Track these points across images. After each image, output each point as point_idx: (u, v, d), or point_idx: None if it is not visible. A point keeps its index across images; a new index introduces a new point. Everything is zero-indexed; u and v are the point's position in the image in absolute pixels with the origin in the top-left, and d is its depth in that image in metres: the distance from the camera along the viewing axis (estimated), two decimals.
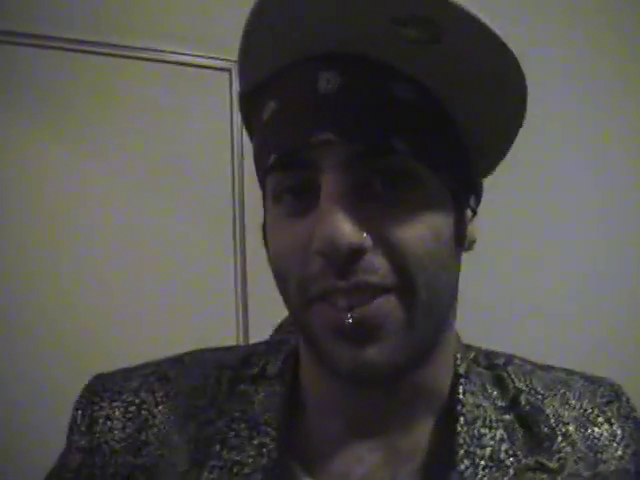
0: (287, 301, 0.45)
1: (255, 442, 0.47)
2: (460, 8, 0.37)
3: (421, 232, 0.42)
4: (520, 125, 0.47)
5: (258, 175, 0.48)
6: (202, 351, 0.55)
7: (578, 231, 1.59)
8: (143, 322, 1.23)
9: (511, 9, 1.52)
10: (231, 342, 1.22)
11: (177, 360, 0.54)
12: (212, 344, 0.57)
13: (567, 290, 1.56)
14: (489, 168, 0.52)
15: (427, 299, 0.42)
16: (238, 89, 0.49)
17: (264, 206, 0.48)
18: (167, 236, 1.25)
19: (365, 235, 0.40)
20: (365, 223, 0.40)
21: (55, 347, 1.19)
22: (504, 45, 0.40)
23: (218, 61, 1.21)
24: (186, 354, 0.54)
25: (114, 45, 1.22)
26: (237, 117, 1.26)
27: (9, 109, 1.20)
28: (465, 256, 0.50)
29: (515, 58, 0.41)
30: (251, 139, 0.50)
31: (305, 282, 0.42)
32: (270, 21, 0.41)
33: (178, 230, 1.24)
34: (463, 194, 0.47)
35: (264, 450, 0.46)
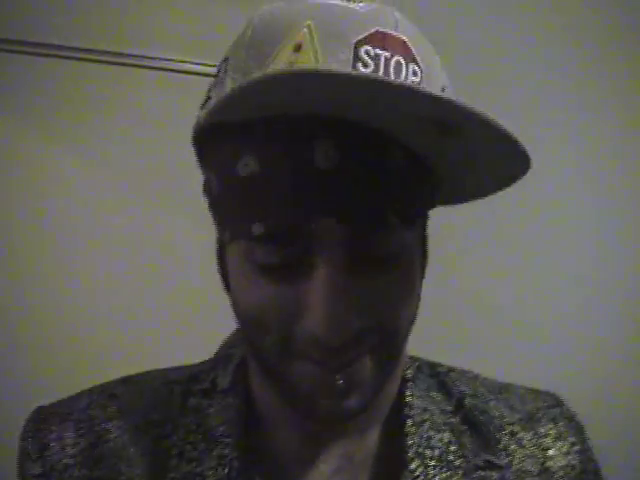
0: (257, 346, 0.44)
1: (214, 453, 0.47)
2: (483, 116, 0.34)
3: (406, 297, 0.43)
4: (498, 190, 0.45)
5: (214, 213, 0.45)
6: (147, 372, 0.55)
7: (572, 238, 1.59)
8: (144, 329, 1.22)
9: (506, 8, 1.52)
10: None
11: (123, 380, 0.53)
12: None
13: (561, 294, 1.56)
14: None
15: (399, 350, 0.45)
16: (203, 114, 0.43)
17: (221, 238, 0.46)
18: (168, 241, 1.24)
19: (360, 320, 0.40)
20: (360, 302, 0.40)
21: (58, 354, 1.19)
22: (520, 147, 0.36)
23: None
24: (130, 375, 0.54)
25: (118, 53, 1.22)
26: None
27: (13, 116, 1.20)
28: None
29: (527, 156, 0.37)
30: (204, 171, 0.46)
31: (288, 341, 0.41)
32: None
33: (179, 236, 1.23)
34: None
35: (224, 461, 0.46)
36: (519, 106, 1.50)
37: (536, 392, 0.57)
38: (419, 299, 0.46)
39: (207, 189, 0.45)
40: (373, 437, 0.49)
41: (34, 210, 1.21)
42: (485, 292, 1.47)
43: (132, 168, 1.24)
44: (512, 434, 0.51)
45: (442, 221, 0.54)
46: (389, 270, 0.42)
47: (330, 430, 0.48)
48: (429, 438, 0.48)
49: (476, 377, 0.57)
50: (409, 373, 0.52)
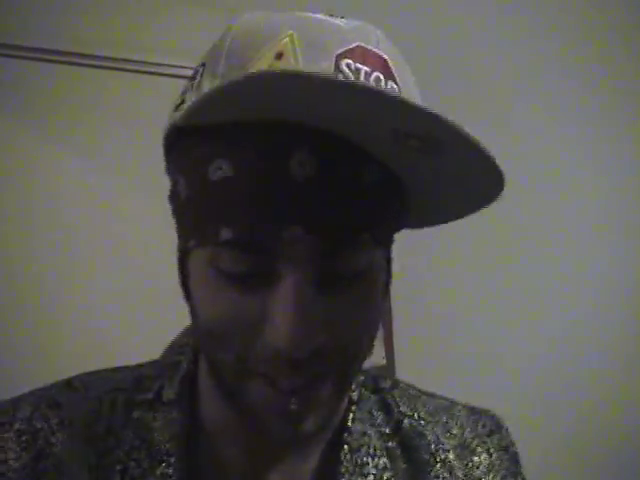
0: (214, 361, 0.43)
1: (158, 472, 0.45)
2: (469, 134, 0.34)
3: (369, 318, 0.42)
4: (471, 213, 0.45)
5: (179, 222, 0.44)
6: (90, 374, 0.53)
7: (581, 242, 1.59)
8: (147, 330, 1.23)
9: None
10: None
11: (66, 385, 0.51)
12: None
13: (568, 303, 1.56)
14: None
15: (357, 371, 0.45)
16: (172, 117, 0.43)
17: (185, 246, 0.44)
18: (169, 242, 1.25)
19: (322, 335, 0.39)
20: (323, 318, 0.39)
21: (59, 356, 1.19)
22: (496, 167, 0.36)
23: None
24: (74, 378, 0.52)
25: (126, 60, 1.25)
26: None
27: (23, 119, 1.21)
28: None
29: (502, 177, 0.37)
30: (170, 176, 0.45)
31: (246, 357, 0.40)
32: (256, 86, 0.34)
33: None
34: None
35: None
36: (519, 113, 1.51)
37: (477, 415, 0.56)
38: (379, 321, 0.45)
39: (173, 194, 0.44)
40: (315, 457, 0.49)
41: (36, 211, 1.22)
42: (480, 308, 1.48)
43: (134, 170, 1.26)
44: (444, 462, 0.51)
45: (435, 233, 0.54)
46: (354, 288, 0.41)
47: (282, 450, 0.48)
48: (363, 465, 0.48)
49: (419, 396, 0.56)
50: (354, 395, 0.52)
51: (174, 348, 0.53)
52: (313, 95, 0.33)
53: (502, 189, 0.39)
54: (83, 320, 1.22)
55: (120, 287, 1.24)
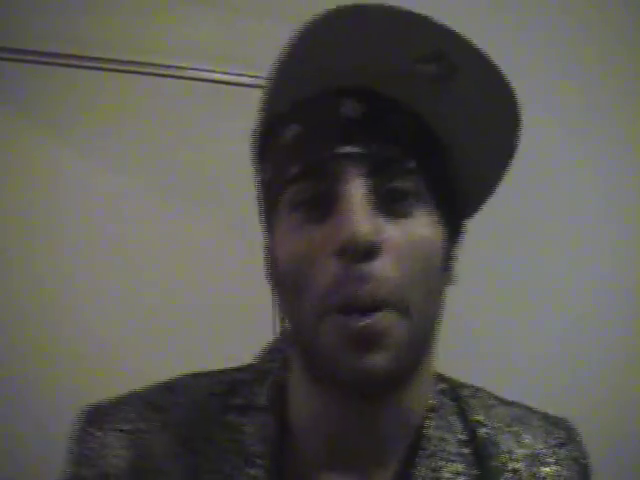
0: (296, 313, 0.47)
1: (249, 473, 0.49)
2: (471, 43, 0.43)
3: (420, 251, 0.46)
4: (506, 168, 0.51)
5: (267, 199, 0.51)
6: (188, 377, 0.57)
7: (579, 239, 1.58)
8: (168, 338, 1.22)
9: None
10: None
11: (166, 388, 0.55)
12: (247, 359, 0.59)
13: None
14: (471, 210, 0.56)
15: (417, 320, 0.46)
16: (256, 125, 0.52)
17: (269, 228, 0.51)
18: (196, 248, 1.26)
19: (383, 233, 0.45)
20: (379, 229, 0.44)
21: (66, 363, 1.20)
22: (507, 85, 0.46)
23: (245, 77, 1.24)
24: (174, 381, 0.56)
25: (144, 63, 1.25)
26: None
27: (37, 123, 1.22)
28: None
29: (516, 100, 0.46)
30: (260, 170, 0.53)
31: (321, 292, 0.45)
32: (300, 63, 0.46)
33: (206, 242, 1.26)
34: (452, 228, 0.51)
35: None
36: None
37: (551, 424, 0.58)
38: (441, 298, 0.50)
39: (263, 182, 0.52)
40: (393, 462, 0.51)
41: (36, 210, 1.22)
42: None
43: (165, 174, 1.26)
44: (515, 471, 0.53)
45: None
46: (404, 216, 0.46)
47: (357, 405, 0.49)
48: (439, 469, 0.50)
49: (496, 405, 0.58)
50: (434, 402, 0.54)
51: (268, 352, 0.57)
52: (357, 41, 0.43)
53: (520, 122, 0.47)
54: (83, 319, 1.22)
55: (121, 287, 1.24)
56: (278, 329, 0.59)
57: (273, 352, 0.57)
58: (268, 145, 0.51)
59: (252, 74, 1.22)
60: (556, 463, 0.54)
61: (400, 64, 0.44)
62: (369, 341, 0.44)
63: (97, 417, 0.52)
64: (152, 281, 1.25)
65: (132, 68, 1.24)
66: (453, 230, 0.51)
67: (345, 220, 0.43)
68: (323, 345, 0.45)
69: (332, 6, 0.44)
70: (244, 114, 0.58)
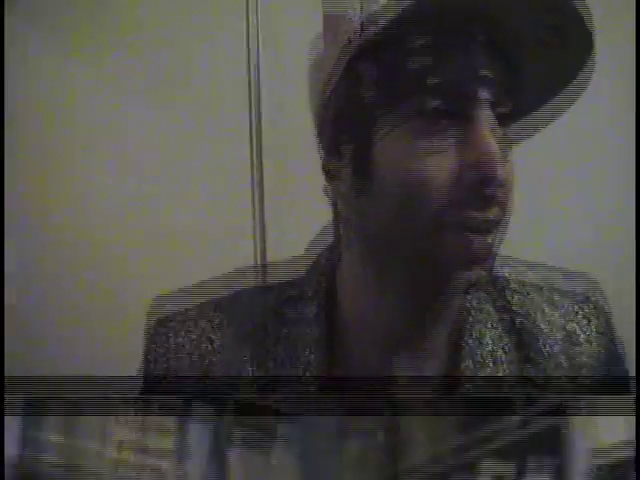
0: (405, 224, 0.48)
1: (302, 358, 0.54)
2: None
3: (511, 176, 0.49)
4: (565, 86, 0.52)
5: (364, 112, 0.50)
6: (249, 287, 0.62)
7: None
8: (156, 244, 1.26)
9: None
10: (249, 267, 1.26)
11: (227, 296, 0.60)
12: (229, 266, 0.64)
13: None
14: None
15: None
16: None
17: (361, 137, 0.50)
18: (183, 154, 1.27)
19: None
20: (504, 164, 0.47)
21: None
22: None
23: None
24: (239, 290, 0.61)
25: None
26: (253, 33, 1.24)
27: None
28: None
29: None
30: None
31: (443, 208, 0.46)
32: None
33: (194, 148, 1.26)
34: None
35: (310, 368, 0.54)
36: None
37: (572, 280, 0.62)
38: None
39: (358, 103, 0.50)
40: (441, 338, 0.55)
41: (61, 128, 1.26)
42: None
43: (152, 79, 1.26)
44: (550, 331, 0.57)
45: None
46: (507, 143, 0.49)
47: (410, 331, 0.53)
48: (482, 336, 0.55)
49: (524, 272, 0.61)
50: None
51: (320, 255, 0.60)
52: None
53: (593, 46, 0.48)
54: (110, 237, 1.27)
55: (140, 203, 1.27)
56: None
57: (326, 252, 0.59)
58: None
59: None
60: (585, 317, 0.59)
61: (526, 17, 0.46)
62: (478, 259, 0.47)
63: (167, 322, 0.58)
64: (153, 183, 1.28)
65: None
66: None
67: (484, 142, 0.45)
68: (436, 260, 0.47)
69: None
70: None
